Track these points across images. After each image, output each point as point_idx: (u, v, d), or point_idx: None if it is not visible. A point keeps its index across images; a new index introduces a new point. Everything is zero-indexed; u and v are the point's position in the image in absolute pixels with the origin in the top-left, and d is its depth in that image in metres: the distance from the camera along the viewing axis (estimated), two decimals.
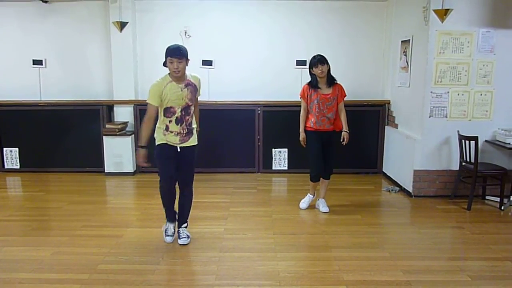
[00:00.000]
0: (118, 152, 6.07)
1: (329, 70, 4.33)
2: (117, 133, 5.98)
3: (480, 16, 4.77)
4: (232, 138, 6.24)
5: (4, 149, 6.32)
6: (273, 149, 6.29)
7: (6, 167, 6.34)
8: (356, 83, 6.18)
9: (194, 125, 3.70)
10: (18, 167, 6.34)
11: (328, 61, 4.29)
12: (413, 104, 5.28)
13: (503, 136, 4.77)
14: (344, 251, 3.64)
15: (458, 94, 4.92)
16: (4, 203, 5.01)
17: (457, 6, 4.66)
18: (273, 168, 6.32)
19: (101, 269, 3.31)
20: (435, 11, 4.64)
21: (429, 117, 4.96)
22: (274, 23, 6.26)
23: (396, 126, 5.86)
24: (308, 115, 4.46)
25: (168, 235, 3.83)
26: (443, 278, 3.18)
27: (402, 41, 5.60)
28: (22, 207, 4.92)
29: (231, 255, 3.55)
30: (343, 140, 4.45)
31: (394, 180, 5.76)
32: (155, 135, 3.65)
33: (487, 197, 5.05)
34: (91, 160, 6.27)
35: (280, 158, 6.30)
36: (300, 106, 4.51)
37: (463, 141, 4.77)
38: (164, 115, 3.54)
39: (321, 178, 4.62)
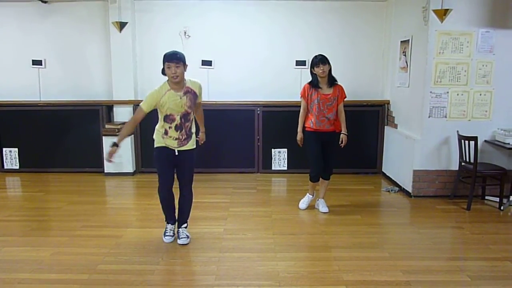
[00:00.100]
0: (118, 152, 6.01)
1: (330, 70, 4.33)
2: (117, 133, 5.94)
3: (479, 16, 4.78)
4: (232, 138, 6.24)
5: (4, 149, 6.32)
6: (272, 149, 6.29)
7: (5, 167, 6.34)
8: (356, 83, 6.19)
9: (194, 130, 3.69)
10: (17, 167, 6.34)
11: (329, 61, 4.30)
12: (412, 104, 5.28)
13: (503, 136, 4.77)
14: (344, 251, 3.64)
15: (458, 94, 4.92)
16: (3, 203, 5.01)
17: (457, 6, 4.66)
18: (273, 168, 6.32)
19: (100, 269, 3.30)
20: (434, 11, 4.64)
21: (429, 117, 4.96)
22: (274, 23, 6.27)
23: (395, 126, 5.87)
24: (308, 115, 4.46)
25: (167, 235, 3.83)
26: (443, 278, 3.18)
27: (401, 41, 5.60)
28: (22, 207, 4.92)
29: (230, 255, 3.55)
30: (341, 143, 4.46)
31: (393, 180, 5.76)
32: (154, 137, 3.66)
33: (486, 197, 5.06)
34: (91, 160, 6.27)
35: (279, 158, 6.30)
36: (300, 106, 4.51)
37: (462, 141, 4.77)
38: (165, 122, 3.54)
39: (321, 179, 4.62)
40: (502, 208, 4.74)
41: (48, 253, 3.58)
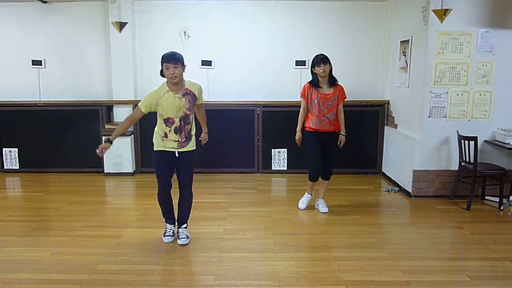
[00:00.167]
0: (118, 153, 6.06)
1: (331, 70, 4.33)
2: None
3: (479, 16, 4.78)
4: (232, 139, 6.24)
5: (4, 149, 6.32)
6: (272, 150, 6.29)
7: (5, 167, 6.34)
8: (356, 83, 6.18)
9: (194, 132, 3.68)
10: (17, 167, 6.34)
11: (331, 62, 4.30)
12: (412, 104, 5.28)
13: (502, 136, 4.77)
14: (344, 251, 3.64)
15: (458, 94, 4.92)
16: (3, 203, 5.01)
17: (457, 6, 4.66)
18: (273, 168, 6.32)
19: (100, 269, 3.30)
20: (434, 11, 4.64)
21: (429, 117, 4.96)
22: (274, 23, 6.27)
23: (395, 126, 5.87)
24: (308, 115, 4.46)
25: (167, 236, 3.83)
26: (443, 278, 3.18)
27: (401, 41, 5.60)
28: (22, 207, 4.91)
29: (230, 256, 3.55)
30: (340, 143, 4.47)
31: (393, 180, 5.76)
32: (153, 140, 3.65)
33: (486, 197, 5.05)
34: (91, 161, 6.24)
35: (279, 158, 6.30)
36: (299, 106, 4.51)
37: (462, 141, 4.77)
38: (164, 124, 3.54)
39: (321, 179, 4.63)
40: (502, 208, 4.74)
41: (48, 253, 3.58)
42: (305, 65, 6.18)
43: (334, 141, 4.49)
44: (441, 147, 5.05)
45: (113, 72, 6.19)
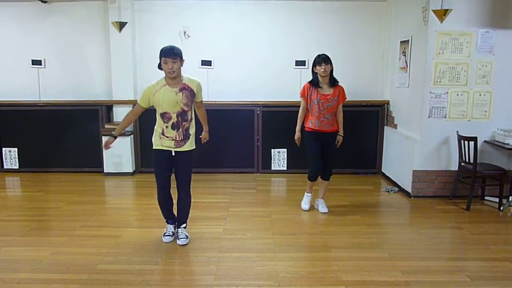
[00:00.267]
0: (117, 152, 6.06)
1: (331, 71, 4.33)
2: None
3: (479, 17, 4.78)
4: (231, 138, 6.24)
5: (3, 149, 6.32)
6: (272, 150, 6.29)
7: (5, 167, 6.34)
8: (355, 83, 6.18)
9: (192, 131, 3.65)
10: (17, 167, 6.34)
11: (332, 63, 4.29)
12: (412, 104, 5.28)
13: (502, 137, 4.77)
14: (343, 252, 3.64)
15: (457, 95, 4.92)
16: (3, 203, 5.01)
17: (456, 7, 4.66)
18: (272, 168, 6.32)
19: (100, 269, 3.30)
20: (434, 11, 4.64)
21: (428, 117, 4.96)
22: (274, 23, 6.27)
23: (395, 126, 5.87)
24: (308, 115, 4.45)
25: (167, 235, 3.83)
26: (442, 279, 3.18)
27: (401, 41, 5.60)
28: (21, 207, 4.91)
29: (230, 256, 3.55)
30: (337, 143, 4.49)
31: (393, 180, 5.76)
32: (152, 139, 3.66)
33: (486, 198, 5.06)
34: (90, 160, 6.27)
35: (279, 158, 6.30)
36: (299, 106, 4.51)
37: (462, 141, 4.77)
38: (161, 120, 3.54)
39: (320, 179, 4.63)
40: (501, 208, 4.74)
41: (47, 253, 3.58)
42: (305, 65, 6.18)
43: (334, 141, 4.49)
44: (441, 148, 5.05)
45: (113, 72, 6.19)
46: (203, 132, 3.98)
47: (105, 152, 6.08)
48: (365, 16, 6.23)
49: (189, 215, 3.87)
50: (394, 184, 5.66)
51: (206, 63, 6.21)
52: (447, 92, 4.91)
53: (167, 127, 3.54)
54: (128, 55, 6.14)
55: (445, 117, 4.96)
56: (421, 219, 4.48)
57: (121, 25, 5.86)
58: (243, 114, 6.21)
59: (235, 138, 6.25)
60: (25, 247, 3.72)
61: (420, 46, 5.03)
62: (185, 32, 6.22)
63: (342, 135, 4.51)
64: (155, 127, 3.63)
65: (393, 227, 4.34)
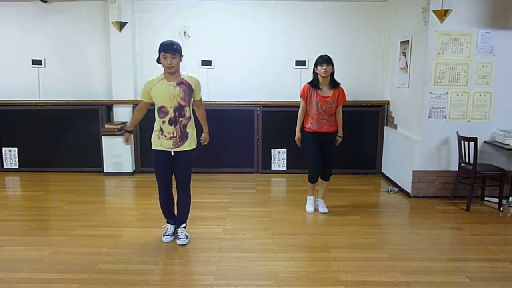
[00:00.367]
0: (117, 152, 6.07)
1: (332, 73, 4.33)
2: (116, 133, 5.98)
3: (479, 17, 4.78)
4: (231, 139, 6.24)
5: (3, 148, 6.31)
6: (272, 150, 6.29)
7: (5, 166, 6.34)
8: (355, 83, 6.18)
9: (190, 130, 3.63)
10: (17, 166, 6.34)
11: (334, 64, 4.29)
12: (412, 104, 5.28)
13: (502, 137, 4.77)
14: (343, 252, 3.64)
15: (457, 95, 4.92)
16: (3, 202, 5.01)
17: (457, 7, 4.66)
18: (272, 168, 6.32)
19: (100, 269, 3.30)
20: (434, 11, 4.64)
21: (428, 117, 4.96)
22: (274, 24, 6.26)
23: (395, 126, 5.87)
24: (307, 116, 4.45)
25: (167, 235, 3.83)
26: (442, 279, 3.18)
27: (401, 42, 5.60)
28: (21, 206, 4.91)
29: (230, 255, 3.55)
30: (336, 144, 4.50)
31: (393, 180, 5.76)
32: (151, 139, 3.65)
33: (486, 198, 5.06)
34: (90, 160, 6.27)
35: (279, 158, 6.30)
36: (299, 106, 4.51)
37: (462, 142, 4.77)
38: (158, 116, 3.54)
39: (320, 179, 4.63)
40: (501, 209, 4.74)
41: (47, 252, 3.58)
42: (305, 65, 6.19)
43: (333, 141, 4.50)
44: (441, 148, 5.05)
45: (113, 71, 6.18)
46: (203, 134, 3.91)
47: (105, 152, 6.09)
48: (365, 16, 6.22)
49: (189, 215, 3.87)
50: (394, 184, 5.66)
51: (206, 63, 6.21)
52: (447, 93, 4.91)
53: (164, 122, 3.53)
54: (128, 55, 6.14)
55: (445, 117, 4.96)
56: (421, 220, 4.48)
57: (121, 25, 5.86)
58: (243, 114, 6.21)
59: (235, 138, 6.25)
60: (25, 246, 3.72)
61: (420, 47, 5.03)
62: (185, 32, 6.22)
63: (341, 136, 4.51)
64: (154, 128, 3.63)
65: (393, 227, 4.34)
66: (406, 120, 5.52)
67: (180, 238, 3.77)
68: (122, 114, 6.26)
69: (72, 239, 3.87)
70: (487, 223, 4.38)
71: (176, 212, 3.86)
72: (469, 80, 4.90)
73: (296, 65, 6.22)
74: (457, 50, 4.83)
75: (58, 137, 6.24)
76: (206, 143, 3.96)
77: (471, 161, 4.65)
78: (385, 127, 6.20)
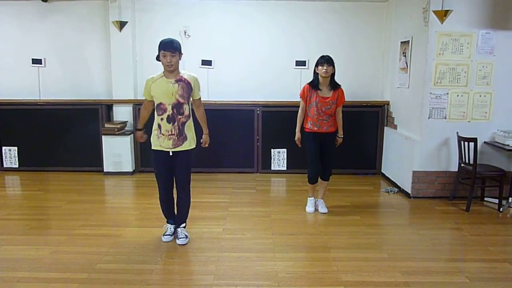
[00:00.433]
0: (117, 152, 6.07)
1: (333, 74, 4.32)
2: (116, 133, 5.98)
3: (480, 18, 4.78)
4: (231, 138, 6.24)
5: (3, 148, 6.31)
6: (272, 150, 6.29)
7: (5, 166, 6.34)
8: (356, 83, 6.19)
9: (189, 130, 3.61)
10: (17, 166, 6.34)
11: (335, 66, 4.28)
12: (412, 105, 5.28)
13: (502, 138, 4.78)
14: (343, 252, 3.64)
15: (458, 95, 4.92)
16: (3, 202, 5.01)
17: (457, 7, 4.66)
18: (272, 168, 6.32)
19: (99, 268, 3.30)
20: (434, 12, 4.64)
21: (428, 118, 4.96)
22: (274, 23, 6.26)
23: (395, 127, 5.87)
24: (307, 116, 4.45)
25: (166, 235, 3.83)
26: (442, 279, 3.19)
27: (401, 42, 5.60)
28: (21, 206, 4.91)
29: (229, 255, 3.56)
30: (336, 144, 4.50)
31: (393, 181, 5.76)
32: (151, 139, 3.65)
33: (486, 199, 5.06)
34: (90, 160, 6.27)
35: (279, 158, 6.30)
36: (299, 106, 4.51)
37: (462, 142, 4.78)
38: (157, 113, 3.55)
39: (320, 180, 4.63)
40: (501, 209, 4.74)
41: (47, 251, 3.58)
42: (305, 65, 6.19)
43: (333, 141, 4.50)
44: (441, 148, 5.05)
45: (113, 71, 6.18)
46: (203, 135, 3.86)
47: (105, 152, 6.08)
48: (366, 17, 6.22)
49: (189, 214, 3.87)
50: (394, 184, 5.66)
51: (206, 62, 6.22)
52: (447, 93, 4.91)
53: (162, 119, 3.53)
54: (128, 54, 6.14)
55: (445, 118, 4.96)
56: (420, 220, 4.48)
57: (122, 25, 5.86)
58: (243, 114, 6.21)
59: (235, 138, 6.25)
60: (25, 246, 3.72)
61: (420, 47, 5.03)
62: (185, 32, 6.22)
63: (341, 136, 4.51)
64: (153, 127, 3.63)
65: (392, 227, 4.34)
66: (406, 121, 5.52)
67: (180, 238, 3.77)
68: (122, 114, 6.26)
69: (72, 239, 3.87)
70: (487, 224, 4.38)
71: (176, 211, 3.85)
72: (469, 80, 4.90)
73: (296, 65, 6.23)
74: (458, 50, 4.83)
75: (58, 136, 6.24)
76: (206, 145, 3.89)
77: (471, 162, 4.65)
78: (385, 127, 6.20)
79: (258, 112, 6.18)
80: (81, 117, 6.22)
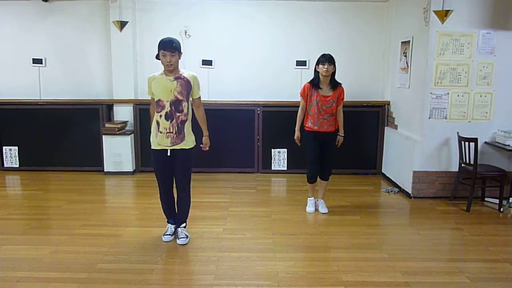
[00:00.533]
0: (118, 152, 6.07)
1: (333, 73, 4.32)
2: (117, 133, 5.98)
3: (480, 18, 4.77)
4: (232, 138, 6.24)
5: (4, 147, 6.31)
6: (272, 150, 6.29)
7: (5, 165, 6.34)
8: (356, 83, 6.18)
9: (187, 129, 3.60)
10: (17, 165, 6.34)
11: (336, 65, 4.28)
12: (413, 105, 5.28)
13: (503, 138, 4.77)
14: (343, 252, 3.64)
15: (458, 96, 4.92)
16: (3, 201, 5.01)
17: (458, 7, 4.66)
18: (273, 168, 6.32)
19: (99, 268, 3.30)
20: (435, 12, 4.63)
21: (429, 118, 4.96)
22: (274, 23, 6.26)
23: (395, 127, 5.86)
24: (307, 115, 4.45)
25: (167, 235, 3.83)
26: (442, 280, 3.18)
27: (402, 42, 5.59)
28: (21, 205, 4.91)
29: (230, 255, 3.55)
30: (337, 143, 4.49)
31: (393, 181, 5.76)
32: (150, 138, 3.65)
33: (486, 199, 5.05)
34: (91, 159, 6.27)
35: (279, 158, 6.30)
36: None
37: (462, 142, 4.77)
38: (156, 111, 3.57)
39: (320, 179, 4.62)
40: (501, 209, 4.74)
41: (47, 251, 3.58)
42: (305, 65, 6.19)
43: (333, 141, 4.49)
44: (441, 148, 5.04)
45: (113, 71, 6.18)
46: (203, 138, 3.82)
47: (105, 151, 6.08)
48: (366, 17, 6.22)
49: (189, 214, 3.87)
50: (394, 184, 5.66)
51: (207, 62, 6.22)
52: (448, 93, 4.91)
53: (160, 116, 3.53)
54: (129, 54, 6.14)
55: (446, 118, 4.96)
56: (421, 220, 4.48)
57: (122, 24, 5.86)
58: (244, 114, 6.21)
59: (235, 138, 6.25)
60: (25, 245, 3.72)
61: (421, 47, 5.03)
62: (185, 32, 6.22)
63: (343, 135, 4.51)
64: (152, 125, 3.64)
65: (393, 227, 4.34)
66: (407, 121, 5.52)
67: (180, 238, 3.77)
68: (123, 114, 6.26)
69: (72, 238, 3.87)
70: (487, 224, 4.38)
71: (176, 211, 3.85)
72: (469, 80, 4.89)
73: (296, 65, 6.22)
74: (458, 50, 4.83)
75: (58, 136, 6.24)
76: (207, 148, 3.85)
77: (472, 162, 4.65)
78: (385, 127, 6.20)
79: (258, 112, 6.18)
80: (82, 117, 6.22)
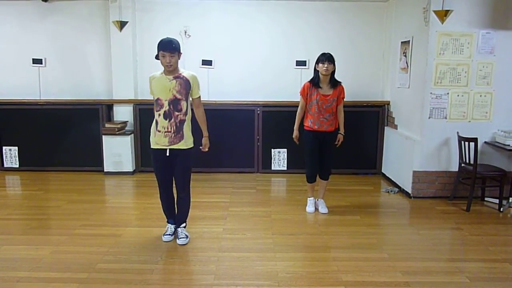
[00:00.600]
0: (118, 152, 6.07)
1: (333, 72, 4.32)
2: (117, 133, 5.98)
3: (480, 17, 4.77)
4: (232, 138, 6.24)
5: (4, 147, 6.31)
6: (272, 150, 6.29)
7: (5, 165, 6.34)
8: (356, 83, 6.18)
9: (186, 129, 3.59)
10: (17, 166, 6.34)
11: (335, 64, 4.28)
12: (412, 105, 5.28)
13: (503, 138, 4.77)
14: (343, 252, 3.64)
15: (458, 95, 4.92)
16: (3, 202, 5.01)
17: (457, 7, 4.66)
18: (272, 168, 6.32)
19: (99, 268, 3.30)
20: (435, 12, 4.64)
21: (429, 118, 4.96)
22: (274, 23, 6.26)
23: (395, 127, 5.87)
24: (307, 114, 4.45)
25: (167, 235, 3.83)
26: (442, 279, 3.18)
27: (402, 42, 5.60)
28: (21, 206, 4.91)
29: (230, 255, 3.55)
30: (338, 142, 4.48)
31: (393, 181, 5.76)
32: (150, 138, 3.65)
33: (486, 199, 5.05)
34: (91, 159, 6.27)
35: (279, 158, 6.30)
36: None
37: (462, 142, 4.77)
38: (155, 109, 3.58)
39: (319, 179, 4.62)
40: (501, 209, 4.74)
41: (47, 251, 3.58)
42: (305, 65, 6.19)
43: (333, 140, 4.48)
44: (441, 148, 5.04)
45: (113, 71, 6.18)
46: (202, 139, 3.79)
47: (105, 151, 6.08)
48: (366, 17, 6.22)
49: (189, 214, 3.87)
50: (394, 184, 5.66)
51: (207, 62, 6.22)
52: (448, 93, 4.91)
53: (159, 115, 3.53)
54: (129, 54, 6.14)
55: (446, 118, 4.96)
56: (421, 220, 4.48)
57: (122, 24, 5.86)
58: (244, 114, 6.21)
59: (235, 138, 6.25)
60: (25, 245, 3.72)
61: (420, 47, 5.03)
62: (185, 32, 6.22)
63: (343, 133, 4.50)
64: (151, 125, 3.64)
65: (393, 227, 4.34)
66: (407, 121, 5.52)
67: (180, 238, 3.77)
68: (123, 114, 6.26)
69: (72, 238, 3.87)
70: (487, 224, 4.38)
71: (176, 211, 3.85)
72: (469, 80, 4.90)
73: (296, 65, 6.22)
74: (458, 50, 4.83)
75: (58, 136, 6.24)
76: (206, 149, 3.82)
77: (472, 162, 4.65)
78: (385, 127, 6.20)
79: (258, 112, 6.18)
80: (82, 117, 6.22)
